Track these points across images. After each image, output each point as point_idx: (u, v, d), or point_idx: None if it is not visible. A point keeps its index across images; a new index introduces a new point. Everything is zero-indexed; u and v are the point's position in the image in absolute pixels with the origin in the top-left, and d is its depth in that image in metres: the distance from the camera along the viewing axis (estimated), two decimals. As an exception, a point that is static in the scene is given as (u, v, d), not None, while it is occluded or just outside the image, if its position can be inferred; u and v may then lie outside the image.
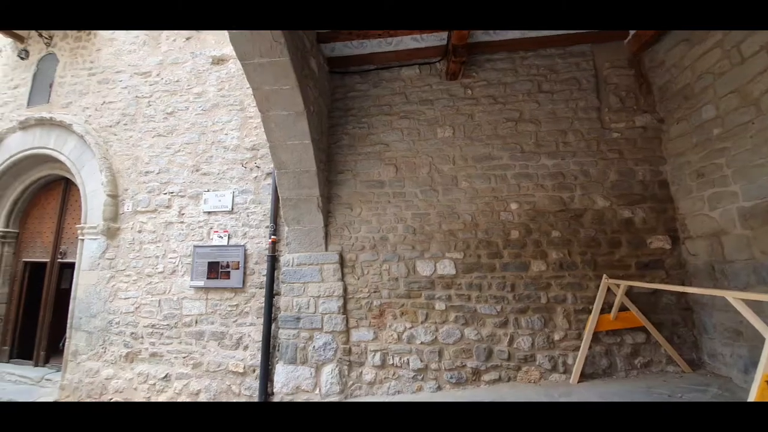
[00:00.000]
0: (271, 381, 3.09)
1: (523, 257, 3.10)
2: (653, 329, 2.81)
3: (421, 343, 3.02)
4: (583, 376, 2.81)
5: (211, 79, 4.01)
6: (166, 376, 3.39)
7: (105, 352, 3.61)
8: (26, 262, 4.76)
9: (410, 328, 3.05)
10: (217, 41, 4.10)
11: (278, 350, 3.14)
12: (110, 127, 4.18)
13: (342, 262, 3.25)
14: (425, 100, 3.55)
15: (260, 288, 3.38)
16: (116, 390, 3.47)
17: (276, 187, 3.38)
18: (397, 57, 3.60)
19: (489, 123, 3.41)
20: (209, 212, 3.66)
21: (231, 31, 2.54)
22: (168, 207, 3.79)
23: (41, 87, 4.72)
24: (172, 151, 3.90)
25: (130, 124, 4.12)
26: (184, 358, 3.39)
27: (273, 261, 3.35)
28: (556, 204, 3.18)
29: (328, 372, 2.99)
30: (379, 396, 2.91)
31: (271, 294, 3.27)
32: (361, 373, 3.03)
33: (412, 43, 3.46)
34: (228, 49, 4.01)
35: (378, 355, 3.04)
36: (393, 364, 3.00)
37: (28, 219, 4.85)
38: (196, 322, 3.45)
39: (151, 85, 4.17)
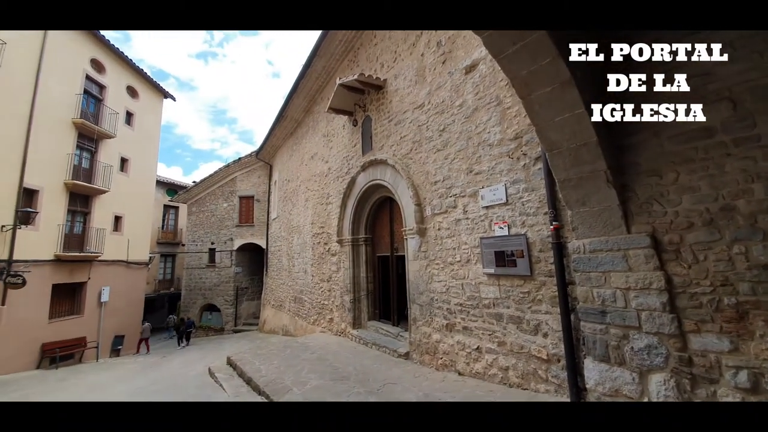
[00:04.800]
0: (581, 375, 2.91)
1: None
2: None
3: None
4: None
5: (467, 88, 4.43)
6: (477, 348, 4.04)
7: (432, 321, 4.82)
8: (378, 256, 7.27)
9: (820, 346, 1.89)
10: (466, 52, 4.48)
11: (583, 344, 2.91)
12: (407, 154, 5.59)
13: (657, 245, 2.54)
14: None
15: (549, 276, 3.30)
16: (444, 351, 4.54)
17: (549, 170, 3.19)
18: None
19: None
20: (487, 207, 4.03)
21: (484, 32, 2.66)
22: (454, 207, 4.54)
23: (366, 140, 7.07)
24: (449, 161, 4.65)
25: (417, 148, 5.33)
26: (489, 335, 3.90)
27: (559, 248, 3.18)
28: None
29: (659, 382, 2.41)
30: None
31: (563, 283, 3.11)
32: (715, 392, 2.22)
33: None
34: (476, 54, 4.29)
35: (743, 373, 2.11)
36: (786, 394, 1.97)
37: (375, 227, 7.40)
38: (494, 305, 3.87)
39: (425, 113, 5.20)
